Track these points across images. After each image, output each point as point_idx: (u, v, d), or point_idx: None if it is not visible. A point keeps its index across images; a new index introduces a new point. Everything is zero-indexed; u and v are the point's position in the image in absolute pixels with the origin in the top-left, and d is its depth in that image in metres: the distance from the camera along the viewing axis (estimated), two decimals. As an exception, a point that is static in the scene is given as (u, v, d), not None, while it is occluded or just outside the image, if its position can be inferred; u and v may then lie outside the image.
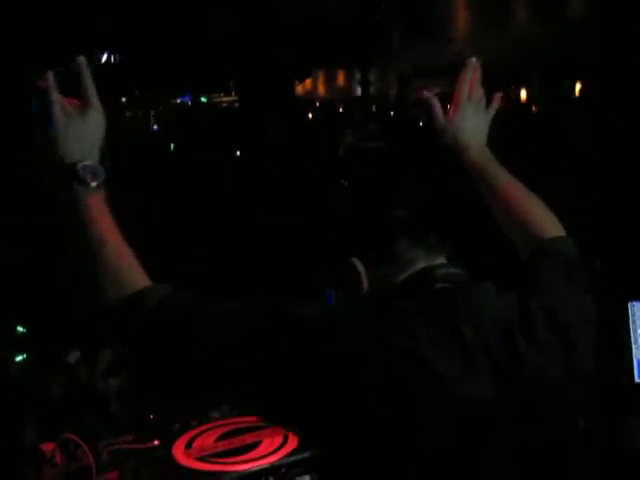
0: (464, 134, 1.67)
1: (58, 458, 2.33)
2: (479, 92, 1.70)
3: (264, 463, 2.33)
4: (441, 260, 1.44)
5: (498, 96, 1.71)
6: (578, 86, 7.84)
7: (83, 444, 2.30)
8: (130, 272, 1.40)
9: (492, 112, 1.72)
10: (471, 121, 1.67)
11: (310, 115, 9.24)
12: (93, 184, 1.40)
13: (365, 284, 1.44)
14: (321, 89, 9.52)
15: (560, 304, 1.44)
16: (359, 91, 10.03)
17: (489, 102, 1.71)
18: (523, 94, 8.05)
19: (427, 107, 1.69)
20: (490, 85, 1.67)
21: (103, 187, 1.41)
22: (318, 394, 1.33)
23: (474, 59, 1.67)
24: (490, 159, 1.67)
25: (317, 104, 9.59)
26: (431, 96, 1.69)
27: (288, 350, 1.32)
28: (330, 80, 9.42)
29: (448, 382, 1.31)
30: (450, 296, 1.38)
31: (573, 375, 1.43)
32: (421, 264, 1.43)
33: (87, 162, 1.40)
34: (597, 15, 6.76)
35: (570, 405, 1.45)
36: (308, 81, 8.54)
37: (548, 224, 1.64)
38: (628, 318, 3.41)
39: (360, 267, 1.44)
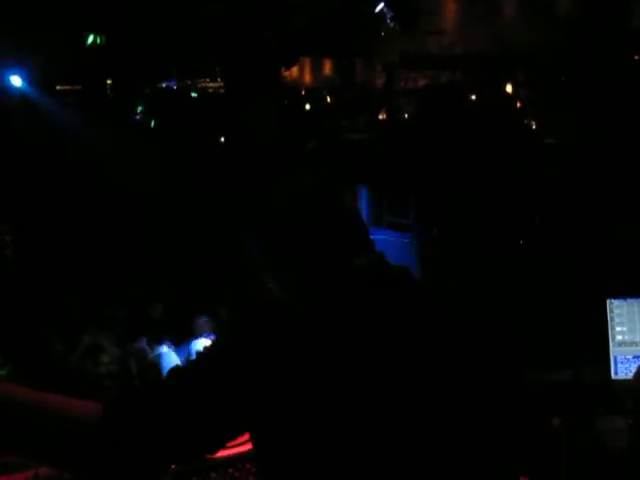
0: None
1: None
2: None
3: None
4: None
5: None
6: (563, 84, 7.86)
7: None
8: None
9: None
10: None
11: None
12: None
13: None
14: (307, 78, 9.49)
15: None
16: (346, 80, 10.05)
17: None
18: (508, 89, 8.08)
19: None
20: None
21: None
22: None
23: None
24: None
25: (303, 92, 9.56)
26: None
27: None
28: (316, 69, 9.42)
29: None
30: None
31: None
32: None
33: None
34: (585, 13, 6.79)
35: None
36: (294, 69, 8.52)
37: None
38: (606, 315, 3.44)
39: None
